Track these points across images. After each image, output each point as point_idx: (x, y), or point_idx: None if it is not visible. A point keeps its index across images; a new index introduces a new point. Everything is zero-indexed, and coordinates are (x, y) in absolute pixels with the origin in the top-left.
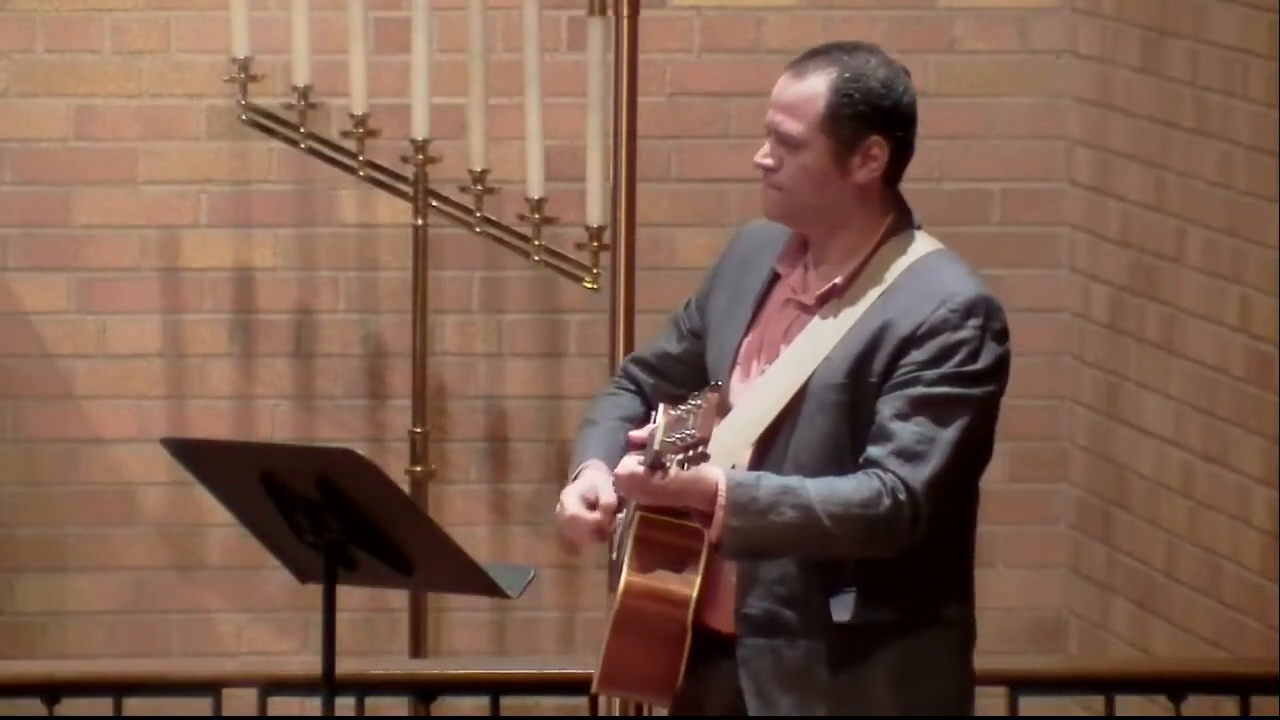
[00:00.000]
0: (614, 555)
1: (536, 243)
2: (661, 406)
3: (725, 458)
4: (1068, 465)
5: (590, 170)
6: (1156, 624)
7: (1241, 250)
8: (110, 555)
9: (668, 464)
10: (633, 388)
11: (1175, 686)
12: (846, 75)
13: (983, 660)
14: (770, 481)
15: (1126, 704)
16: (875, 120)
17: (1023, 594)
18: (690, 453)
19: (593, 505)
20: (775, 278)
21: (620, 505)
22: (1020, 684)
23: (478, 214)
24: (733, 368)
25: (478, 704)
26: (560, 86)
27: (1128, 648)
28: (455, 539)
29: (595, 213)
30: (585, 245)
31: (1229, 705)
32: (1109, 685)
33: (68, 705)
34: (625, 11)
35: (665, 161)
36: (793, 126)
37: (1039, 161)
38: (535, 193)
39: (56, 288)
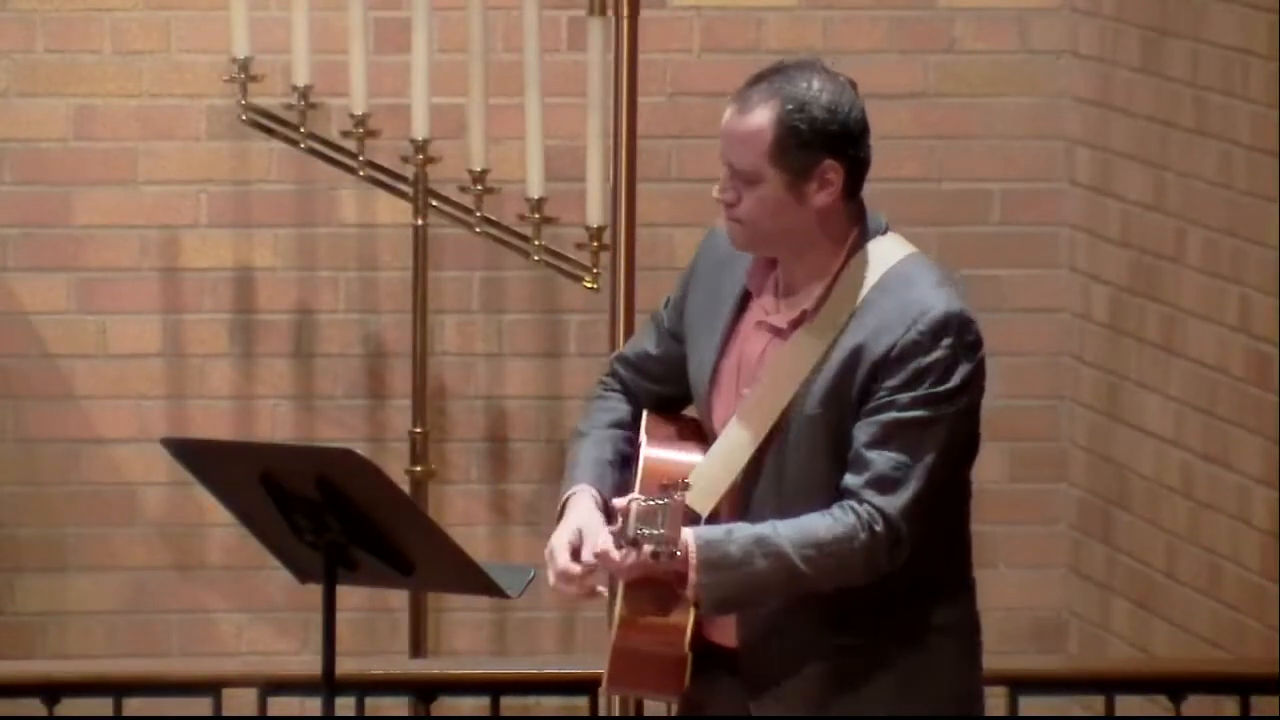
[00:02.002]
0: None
1: (536, 243)
2: (645, 418)
3: (714, 489)
4: (1068, 465)
5: (590, 170)
6: (1156, 624)
7: (1241, 250)
8: (110, 555)
9: (641, 544)
10: (619, 387)
11: (1175, 686)
12: (790, 106)
13: (983, 660)
14: (741, 534)
15: (1126, 704)
16: (825, 146)
17: (1023, 594)
18: (660, 550)
19: (577, 552)
20: (747, 295)
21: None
22: (1020, 684)
23: (478, 214)
24: (712, 388)
25: (478, 704)
26: (560, 86)
27: (1128, 648)
28: (455, 539)
29: (595, 213)
30: (585, 245)
31: (1229, 705)
32: (1109, 685)
33: (68, 705)
34: (625, 11)
35: (665, 161)
36: (744, 162)
37: (1039, 161)
38: (535, 193)
39: (56, 288)
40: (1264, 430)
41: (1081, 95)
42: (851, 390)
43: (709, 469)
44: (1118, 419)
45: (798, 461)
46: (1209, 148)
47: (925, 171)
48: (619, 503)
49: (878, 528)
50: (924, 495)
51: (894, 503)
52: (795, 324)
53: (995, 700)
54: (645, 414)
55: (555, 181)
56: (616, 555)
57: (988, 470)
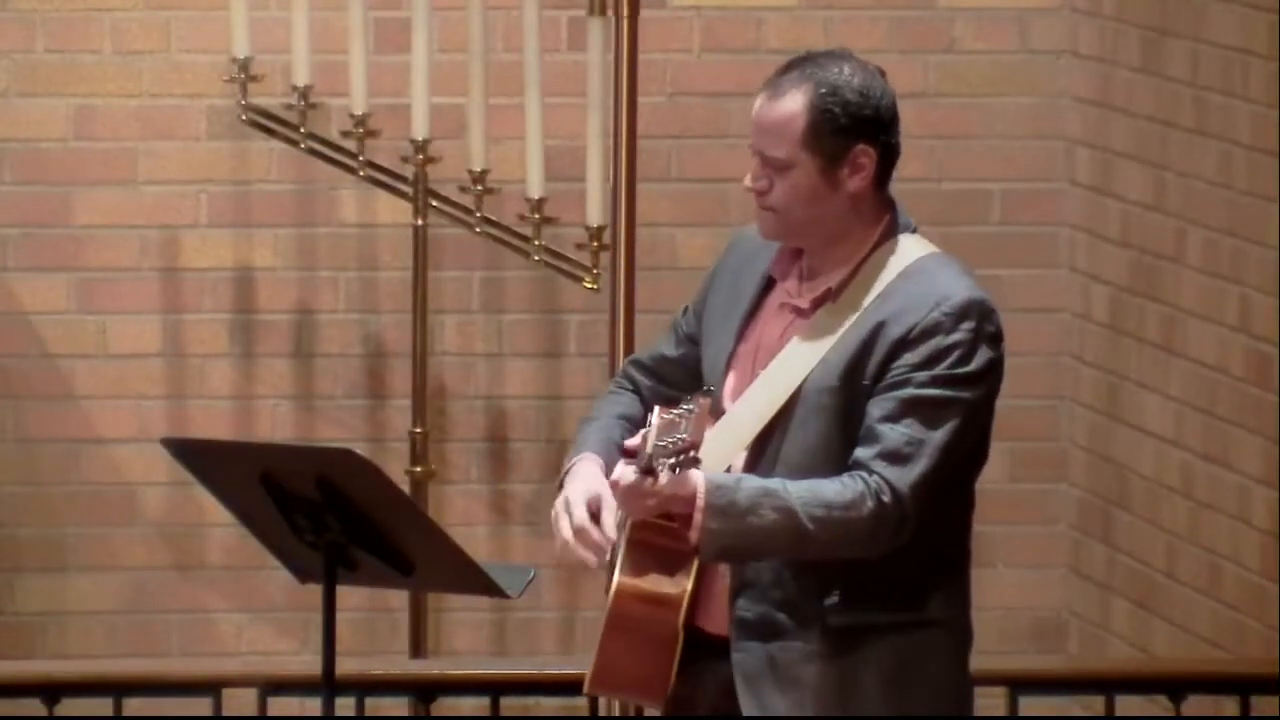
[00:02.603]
0: (609, 557)
1: (536, 243)
2: (656, 410)
3: (720, 461)
4: (1068, 465)
5: (590, 170)
6: (1156, 624)
7: (1241, 250)
8: (110, 555)
9: (658, 469)
10: (631, 388)
11: (1175, 686)
12: (823, 90)
13: (983, 660)
14: (751, 484)
15: (1126, 704)
16: (858, 130)
17: (1023, 594)
18: (681, 457)
19: (596, 516)
20: (770, 283)
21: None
22: (1020, 684)
23: (478, 214)
24: (727, 372)
25: (478, 704)
26: (560, 86)
27: (1128, 648)
28: (455, 539)
29: (595, 213)
30: (585, 245)
31: (1229, 705)
32: (1109, 685)
33: (68, 705)
34: (625, 11)
35: (665, 161)
36: (777, 149)
37: (1039, 161)
38: (535, 193)
39: (56, 288)
40: (1264, 430)
41: (1081, 95)
42: (868, 368)
43: (718, 442)
44: (1118, 419)
45: (806, 437)
46: (1209, 148)
47: (925, 171)
48: (632, 441)
49: (885, 498)
50: (933, 475)
51: (903, 477)
52: (817, 304)
53: (995, 700)
54: (656, 409)
55: (555, 181)
56: (632, 479)
57: (988, 470)
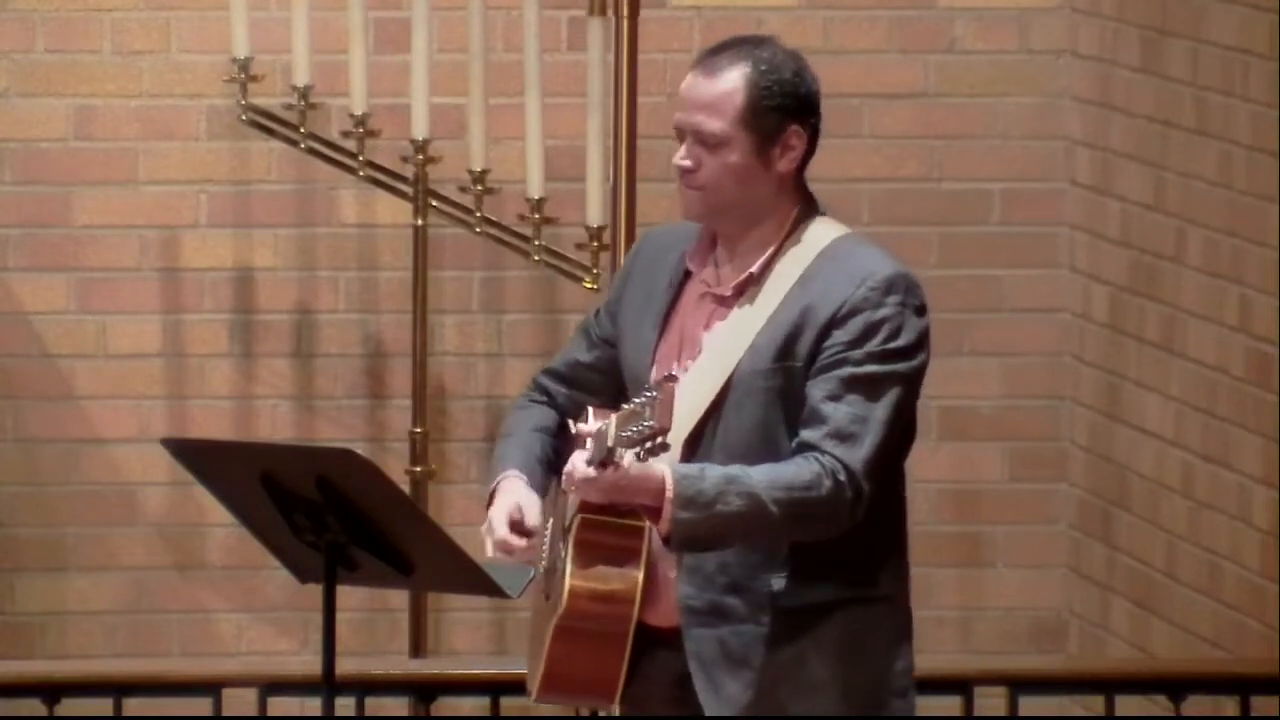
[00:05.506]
0: (543, 561)
1: (536, 243)
2: (591, 411)
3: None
4: (1068, 465)
5: (590, 170)
6: (1156, 624)
7: (1241, 250)
8: (110, 555)
9: (619, 459)
10: (544, 399)
11: (1175, 686)
12: (763, 68)
13: (983, 660)
14: (714, 472)
15: (1126, 704)
16: (793, 110)
17: (1023, 594)
18: (650, 444)
19: (517, 525)
20: (686, 275)
21: (548, 513)
22: (1020, 684)
23: (478, 214)
24: (651, 367)
25: (478, 704)
26: (560, 86)
27: (1128, 648)
28: (455, 539)
29: (595, 213)
30: (585, 245)
31: (1229, 705)
32: (1109, 685)
33: (68, 705)
34: (625, 11)
35: (665, 161)
36: (713, 125)
37: (1039, 161)
38: (535, 193)
39: (56, 288)
40: (1264, 430)
41: (1081, 95)
42: (799, 349)
43: None
44: (1118, 419)
45: (742, 423)
46: (1209, 148)
47: (925, 171)
48: (586, 427)
49: (840, 477)
50: (881, 449)
51: (854, 455)
52: (740, 290)
53: (995, 700)
54: (590, 410)
55: (555, 181)
56: (591, 473)
57: (988, 470)
